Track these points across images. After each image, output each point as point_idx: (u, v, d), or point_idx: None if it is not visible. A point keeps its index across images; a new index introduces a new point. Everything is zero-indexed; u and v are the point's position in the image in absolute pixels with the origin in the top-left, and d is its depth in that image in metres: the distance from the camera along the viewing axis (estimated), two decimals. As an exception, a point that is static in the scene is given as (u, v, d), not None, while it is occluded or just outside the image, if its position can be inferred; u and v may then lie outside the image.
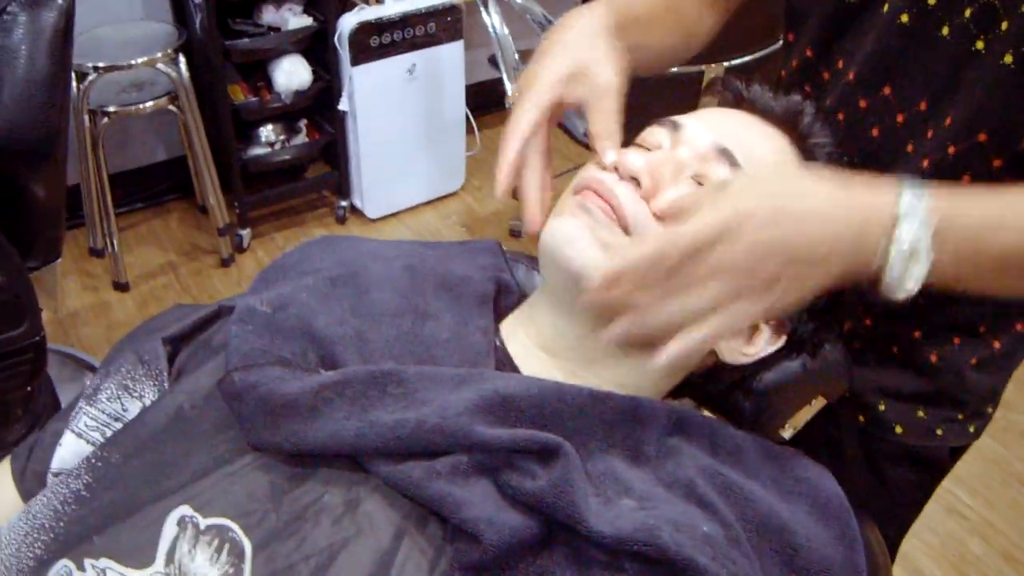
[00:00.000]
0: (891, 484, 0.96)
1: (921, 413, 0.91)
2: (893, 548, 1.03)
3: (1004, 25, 0.71)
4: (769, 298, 0.61)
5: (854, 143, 0.83)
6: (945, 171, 0.77)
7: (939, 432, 0.92)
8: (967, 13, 0.73)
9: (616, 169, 0.72)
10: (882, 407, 0.92)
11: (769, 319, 0.66)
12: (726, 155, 0.73)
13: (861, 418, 0.94)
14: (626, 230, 0.70)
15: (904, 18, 0.77)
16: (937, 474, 0.98)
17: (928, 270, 0.62)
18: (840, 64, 0.85)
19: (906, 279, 0.62)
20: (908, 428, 0.92)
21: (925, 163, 0.79)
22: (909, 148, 0.81)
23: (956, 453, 0.96)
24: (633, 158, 0.72)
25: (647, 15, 0.86)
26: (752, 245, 0.60)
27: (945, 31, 0.75)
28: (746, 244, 0.60)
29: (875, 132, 0.82)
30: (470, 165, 3.00)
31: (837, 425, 0.95)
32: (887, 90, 0.80)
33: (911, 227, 0.61)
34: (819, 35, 0.87)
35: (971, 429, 0.92)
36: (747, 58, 2.11)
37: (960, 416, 0.91)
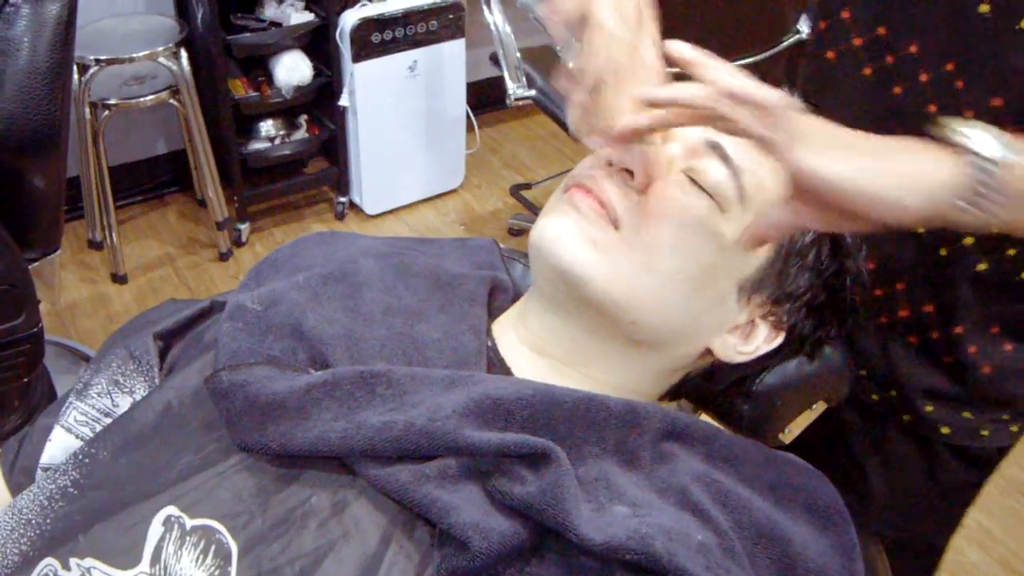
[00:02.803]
0: (942, 484, 0.96)
1: (967, 414, 0.90)
2: (941, 552, 1.05)
3: None
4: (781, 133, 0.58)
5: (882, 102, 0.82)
6: None
7: (984, 433, 0.91)
8: None
9: (609, 162, 0.71)
10: (929, 408, 0.91)
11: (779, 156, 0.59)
12: (717, 149, 0.71)
13: (906, 416, 0.93)
14: (615, 225, 0.69)
15: None
16: (986, 472, 0.97)
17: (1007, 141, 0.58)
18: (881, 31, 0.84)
19: (989, 146, 0.57)
20: (954, 429, 0.91)
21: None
22: (932, 108, 0.80)
23: (1003, 452, 0.95)
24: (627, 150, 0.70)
25: None
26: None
27: (984, 8, 0.74)
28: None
29: (897, 90, 0.82)
30: (470, 163, 2.99)
31: (883, 428, 0.95)
32: (913, 48, 0.80)
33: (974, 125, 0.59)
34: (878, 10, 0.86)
35: (1014, 429, 0.92)
36: (751, 59, 2.10)
37: (1005, 417, 0.91)
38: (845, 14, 0.88)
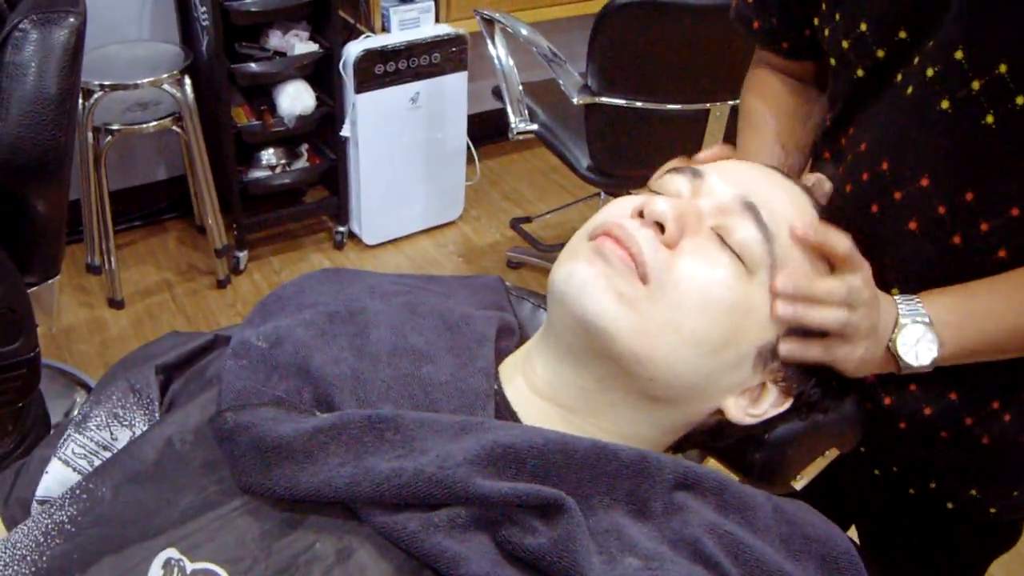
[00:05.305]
0: (951, 547, 0.94)
1: (974, 492, 0.88)
2: None
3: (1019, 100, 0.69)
4: (860, 347, 0.73)
5: (857, 216, 0.82)
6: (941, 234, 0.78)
7: (993, 511, 0.89)
8: (975, 85, 0.70)
9: (640, 214, 0.70)
10: (933, 485, 0.90)
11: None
12: (751, 210, 0.71)
13: (912, 491, 0.92)
14: (644, 280, 0.68)
15: (909, 90, 0.75)
16: (1007, 538, 0.95)
17: (938, 351, 0.74)
18: (851, 131, 0.84)
19: (918, 359, 0.74)
20: (961, 505, 0.89)
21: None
22: (912, 226, 0.79)
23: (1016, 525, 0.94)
24: (660, 203, 0.70)
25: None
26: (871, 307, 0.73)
27: (945, 104, 0.73)
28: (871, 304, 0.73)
29: (874, 208, 0.81)
30: (470, 195, 3.00)
31: (889, 494, 0.94)
32: (884, 165, 0.79)
33: (913, 328, 0.75)
34: (841, 102, 0.86)
35: None
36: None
37: (1016, 493, 0.88)
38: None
